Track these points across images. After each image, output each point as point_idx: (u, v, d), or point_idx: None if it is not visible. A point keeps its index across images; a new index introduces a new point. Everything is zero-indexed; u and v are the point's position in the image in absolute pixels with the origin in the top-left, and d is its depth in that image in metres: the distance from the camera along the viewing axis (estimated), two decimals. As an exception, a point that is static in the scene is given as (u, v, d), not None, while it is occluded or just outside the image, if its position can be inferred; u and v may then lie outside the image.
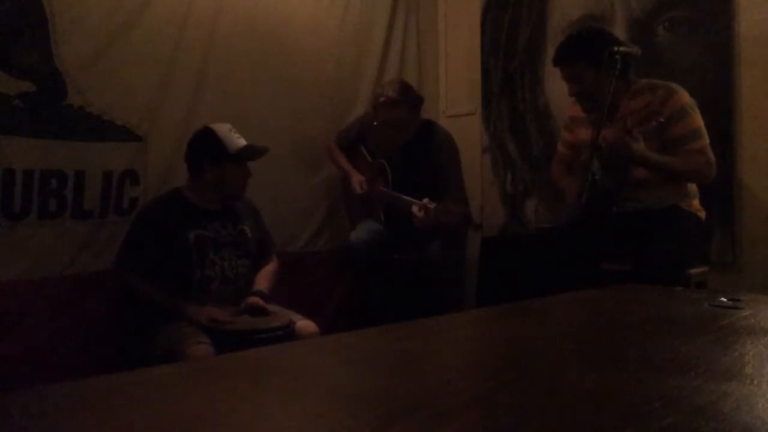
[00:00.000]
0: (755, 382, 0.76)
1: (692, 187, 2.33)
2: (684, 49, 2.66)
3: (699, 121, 2.21)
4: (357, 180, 2.95)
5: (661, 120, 2.09)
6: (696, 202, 2.33)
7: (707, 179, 2.25)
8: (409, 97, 2.83)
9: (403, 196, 2.70)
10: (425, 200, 2.50)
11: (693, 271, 2.22)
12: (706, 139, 2.21)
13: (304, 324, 2.15)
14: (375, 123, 2.87)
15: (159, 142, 2.50)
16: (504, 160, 3.43)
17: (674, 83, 2.27)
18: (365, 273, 2.87)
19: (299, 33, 3.07)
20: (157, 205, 2.28)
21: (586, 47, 2.29)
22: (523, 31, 3.32)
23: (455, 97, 3.67)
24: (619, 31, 2.81)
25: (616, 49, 2.20)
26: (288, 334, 2.03)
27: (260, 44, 2.91)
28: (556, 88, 3.21)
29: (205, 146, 2.23)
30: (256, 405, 0.71)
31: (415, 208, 2.53)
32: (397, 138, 2.87)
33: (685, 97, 2.22)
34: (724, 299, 1.35)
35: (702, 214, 2.32)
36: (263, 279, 2.32)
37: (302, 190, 3.13)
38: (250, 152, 2.26)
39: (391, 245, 2.89)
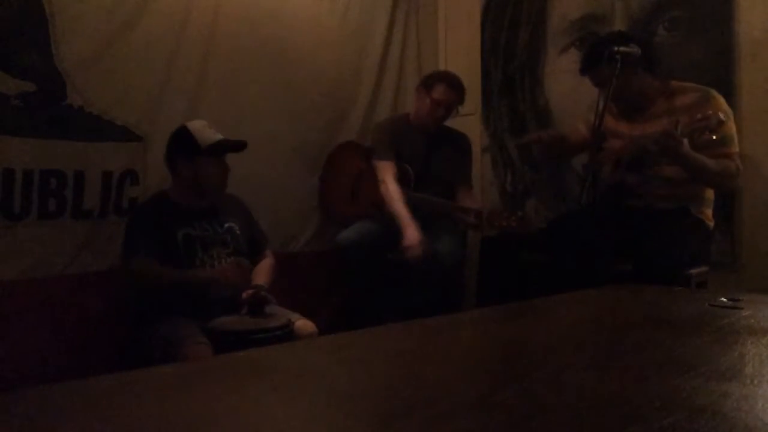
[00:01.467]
0: (755, 382, 0.76)
1: (708, 195, 2.32)
2: (684, 49, 2.66)
3: (732, 129, 2.22)
4: (415, 238, 2.61)
5: (713, 137, 2.05)
6: (708, 211, 2.32)
7: (730, 188, 2.31)
8: (464, 90, 2.96)
9: (450, 202, 2.82)
10: (476, 207, 2.62)
11: (693, 271, 2.22)
12: (737, 148, 2.21)
13: (303, 324, 2.14)
14: (430, 98, 2.89)
15: (159, 142, 2.48)
16: (504, 160, 3.43)
17: (711, 88, 2.26)
18: (356, 273, 2.85)
19: (299, 33, 3.07)
20: (146, 207, 2.30)
21: (594, 53, 2.31)
22: (523, 31, 3.32)
23: (455, 97, 3.67)
24: (619, 31, 2.80)
25: (615, 48, 2.22)
26: (287, 334, 2.03)
27: (260, 44, 2.91)
28: (556, 88, 3.22)
29: (178, 143, 2.22)
30: (256, 405, 0.71)
31: (467, 215, 2.63)
32: (439, 120, 2.93)
33: (723, 103, 2.22)
34: (724, 299, 1.35)
35: (710, 224, 2.32)
36: (261, 273, 2.30)
37: (302, 190, 3.13)
38: (222, 146, 2.22)
39: (384, 245, 2.87)
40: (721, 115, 2.02)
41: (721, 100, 2.23)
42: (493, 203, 3.44)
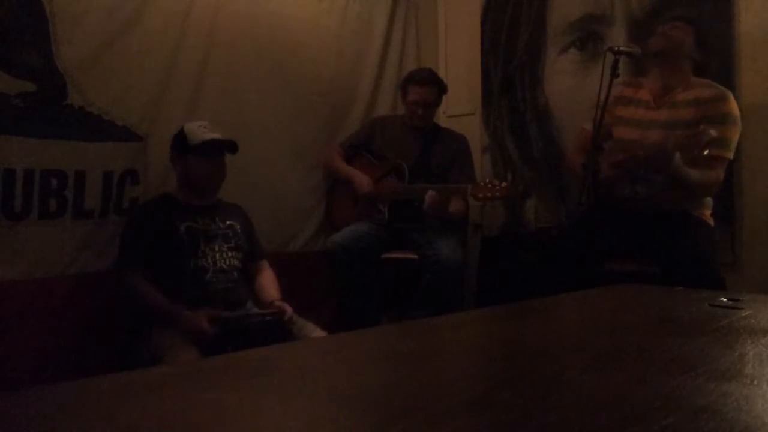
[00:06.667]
0: (755, 382, 0.76)
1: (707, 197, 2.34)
2: (684, 49, 2.66)
3: (734, 134, 2.22)
4: (364, 180, 2.94)
5: (705, 153, 2.05)
6: (708, 212, 2.33)
7: (707, 196, 2.30)
8: (438, 79, 2.99)
9: (418, 185, 2.82)
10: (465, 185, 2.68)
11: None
12: (730, 155, 2.22)
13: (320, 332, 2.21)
14: (407, 100, 2.96)
15: (159, 142, 2.49)
16: (504, 160, 3.43)
17: (727, 90, 2.28)
18: (346, 276, 2.84)
19: (299, 33, 3.07)
20: (148, 204, 2.37)
21: None
22: (523, 31, 3.32)
23: (455, 97, 3.66)
24: (619, 31, 2.81)
25: (616, 48, 2.22)
26: (277, 320, 2.07)
27: (260, 44, 2.91)
28: (556, 88, 3.22)
29: (174, 142, 2.32)
30: (256, 405, 0.71)
31: (430, 193, 2.66)
32: (422, 118, 2.95)
33: (733, 106, 2.23)
34: (724, 299, 1.35)
35: (711, 223, 2.33)
36: (272, 288, 2.35)
37: (302, 190, 3.13)
38: (210, 145, 2.26)
39: (377, 248, 2.86)
40: (713, 133, 2.01)
41: (734, 103, 2.24)
42: (493, 203, 3.43)
